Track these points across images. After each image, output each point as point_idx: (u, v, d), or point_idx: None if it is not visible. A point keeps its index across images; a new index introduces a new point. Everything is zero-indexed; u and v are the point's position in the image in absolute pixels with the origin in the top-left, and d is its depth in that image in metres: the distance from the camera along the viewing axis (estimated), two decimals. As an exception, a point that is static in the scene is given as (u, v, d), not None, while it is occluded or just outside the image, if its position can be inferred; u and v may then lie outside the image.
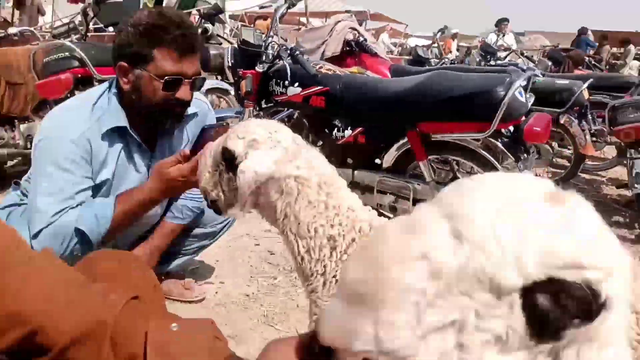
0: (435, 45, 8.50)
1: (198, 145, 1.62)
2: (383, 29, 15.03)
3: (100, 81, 3.20)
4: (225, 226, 2.27)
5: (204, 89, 4.48)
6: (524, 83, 2.44)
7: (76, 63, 3.09)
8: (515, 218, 0.39)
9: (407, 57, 6.60)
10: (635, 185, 3.35)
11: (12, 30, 3.80)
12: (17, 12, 8.62)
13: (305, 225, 1.05)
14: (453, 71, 2.91)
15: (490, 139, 2.50)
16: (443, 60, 5.61)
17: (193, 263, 2.48)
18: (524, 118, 2.52)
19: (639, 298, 0.92)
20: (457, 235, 0.39)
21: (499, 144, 2.52)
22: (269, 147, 1.09)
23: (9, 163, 3.63)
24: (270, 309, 2.27)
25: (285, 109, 3.40)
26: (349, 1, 15.69)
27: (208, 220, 2.19)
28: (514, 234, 0.38)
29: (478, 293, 0.39)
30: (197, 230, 2.20)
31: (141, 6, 7.20)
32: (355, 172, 2.95)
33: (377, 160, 2.96)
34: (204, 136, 1.66)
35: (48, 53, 3.13)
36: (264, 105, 3.41)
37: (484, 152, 2.53)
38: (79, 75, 3.10)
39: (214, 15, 4.71)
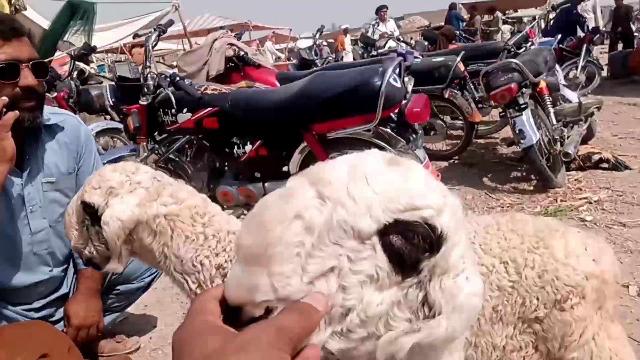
0: (322, 44, 8.70)
1: None
2: (266, 37, 15.15)
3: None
4: (153, 278, 2.16)
5: (94, 132, 4.30)
6: (397, 69, 2.58)
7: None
8: (362, 178, 0.49)
9: (295, 63, 6.69)
10: (521, 141, 3.63)
11: None
12: None
13: (189, 261, 1.02)
14: (332, 70, 3.01)
15: (380, 127, 2.61)
16: (327, 59, 5.78)
17: (122, 315, 2.38)
18: (404, 101, 2.66)
19: (505, 249, 1.02)
20: (320, 196, 0.49)
21: (388, 130, 2.64)
22: (129, 191, 1.03)
23: None
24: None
25: (182, 136, 3.34)
26: (227, 15, 15.63)
27: (132, 272, 2.06)
28: (363, 190, 0.49)
29: (345, 241, 0.48)
30: (123, 287, 2.09)
31: None
32: (266, 184, 2.98)
33: (285, 168, 3.01)
34: None
35: None
36: (158, 138, 3.34)
37: (377, 140, 2.65)
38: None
39: (86, 55, 4.51)
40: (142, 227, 1.02)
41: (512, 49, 4.79)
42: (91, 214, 1.07)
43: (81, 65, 4.68)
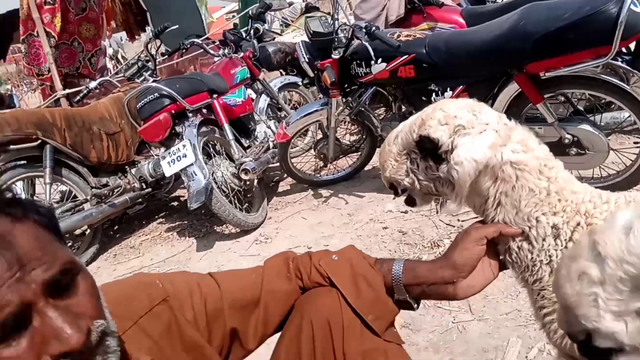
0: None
1: None
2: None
3: (193, 111, 3.29)
4: None
5: (276, 87, 4.51)
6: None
7: (167, 101, 3.17)
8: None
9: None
10: None
11: (92, 85, 3.95)
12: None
13: (525, 214, 0.97)
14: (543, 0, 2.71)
15: (610, 61, 2.32)
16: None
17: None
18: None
19: None
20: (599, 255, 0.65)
21: (622, 64, 2.34)
22: (479, 132, 0.97)
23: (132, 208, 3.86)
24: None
25: (369, 87, 3.34)
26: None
27: None
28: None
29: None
30: None
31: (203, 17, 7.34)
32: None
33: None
34: None
35: (139, 98, 3.24)
36: (347, 90, 3.38)
37: (607, 77, 2.37)
38: (173, 112, 3.18)
39: (263, 13, 4.67)
40: (486, 171, 0.97)
41: None
42: (427, 149, 1.04)
43: (256, 23, 4.85)
